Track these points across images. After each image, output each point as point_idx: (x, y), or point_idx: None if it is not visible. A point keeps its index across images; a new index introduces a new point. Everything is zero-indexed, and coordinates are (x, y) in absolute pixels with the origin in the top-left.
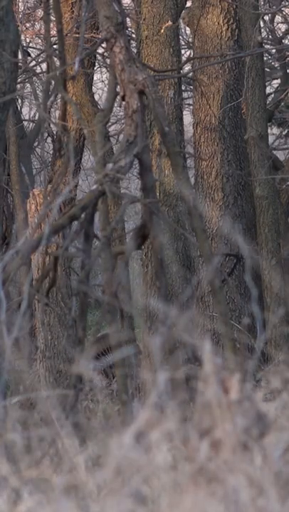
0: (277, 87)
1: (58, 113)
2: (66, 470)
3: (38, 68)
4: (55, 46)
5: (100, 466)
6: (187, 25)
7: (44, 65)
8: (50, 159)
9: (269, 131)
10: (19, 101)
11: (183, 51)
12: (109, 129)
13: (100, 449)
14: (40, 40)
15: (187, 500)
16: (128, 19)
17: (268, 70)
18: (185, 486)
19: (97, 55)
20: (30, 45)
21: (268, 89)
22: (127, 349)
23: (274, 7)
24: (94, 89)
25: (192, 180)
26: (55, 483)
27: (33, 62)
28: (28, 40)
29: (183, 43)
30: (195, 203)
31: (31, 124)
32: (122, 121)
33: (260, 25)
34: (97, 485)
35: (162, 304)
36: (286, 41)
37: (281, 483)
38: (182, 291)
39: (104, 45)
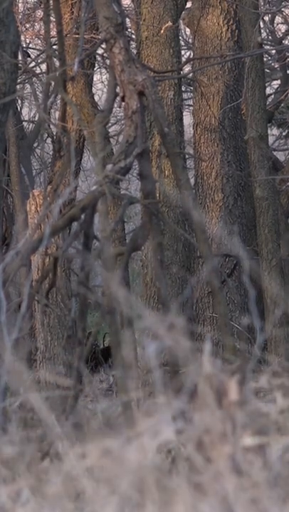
0: (277, 87)
1: (57, 114)
2: (65, 472)
3: (38, 69)
4: (54, 47)
5: (99, 468)
6: (187, 26)
7: (44, 66)
8: (50, 160)
9: (269, 132)
10: (19, 102)
11: (183, 52)
12: (109, 130)
13: (99, 450)
14: (40, 41)
15: (182, 502)
16: (128, 20)
17: (268, 71)
18: (181, 487)
19: (97, 56)
20: (30, 45)
21: (268, 90)
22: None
23: (274, 7)
24: (94, 90)
25: (192, 181)
26: (54, 485)
27: (33, 63)
28: (27, 40)
29: (183, 44)
30: (194, 204)
31: (31, 124)
32: (122, 122)
33: (260, 25)
34: (95, 486)
35: (162, 305)
36: (286, 42)
37: (281, 484)
38: (182, 292)
39: (103, 45)
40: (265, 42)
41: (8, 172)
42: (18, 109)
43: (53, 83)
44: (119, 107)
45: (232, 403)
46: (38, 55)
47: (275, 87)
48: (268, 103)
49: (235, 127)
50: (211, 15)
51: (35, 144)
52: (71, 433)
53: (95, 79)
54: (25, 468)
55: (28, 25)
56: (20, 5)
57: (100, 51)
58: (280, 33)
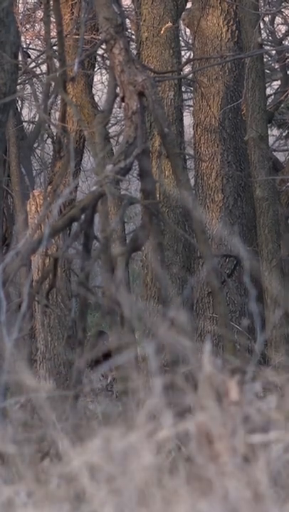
0: (278, 88)
1: (58, 114)
2: (65, 472)
3: (38, 70)
4: (55, 47)
5: (100, 468)
6: (187, 27)
7: (44, 67)
8: (50, 160)
9: (269, 132)
10: (19, 102)
11: (183, 52)
12: (109, 131)
13: (98, 451)
14: (40, 42)
15: (183, 503)
16: (128, 20)
17: (268, 71)
18: (181, 488)
19: (97, 57)
20: (30, 46)
21: (268, 91)
22: (127, 352)
23: (274, 8)
24: (94, 90)
25: (192, 181)
26: (53, 485)
27: (33, 64)
28: (28, 41)
29: (183, 45)
30: (194, 205)
31: (31, 125)
32: (122, 122)
33: (260, 26)
34: (96, 487)
35: (161, 305)
36: (286, 42)
37: (280, 484)
38: (182, 292)
39: (104, 46)
40: (265, 42)
41: (8, 172)
42: (19, 109)
43: (53, 84)
44: (119, 108)
45: (233, 403)
46: (38, 56)
47: (275, 87)
48: (268, 103)
49: (235, 128)
50: (211, 15)
51: (35, 145)
52: (71, 433)
53: (95, 79)
54: (26, 468)
55: (28, 26)
56: (20, 5)
57: (100, 52)
58: (280, 34)
